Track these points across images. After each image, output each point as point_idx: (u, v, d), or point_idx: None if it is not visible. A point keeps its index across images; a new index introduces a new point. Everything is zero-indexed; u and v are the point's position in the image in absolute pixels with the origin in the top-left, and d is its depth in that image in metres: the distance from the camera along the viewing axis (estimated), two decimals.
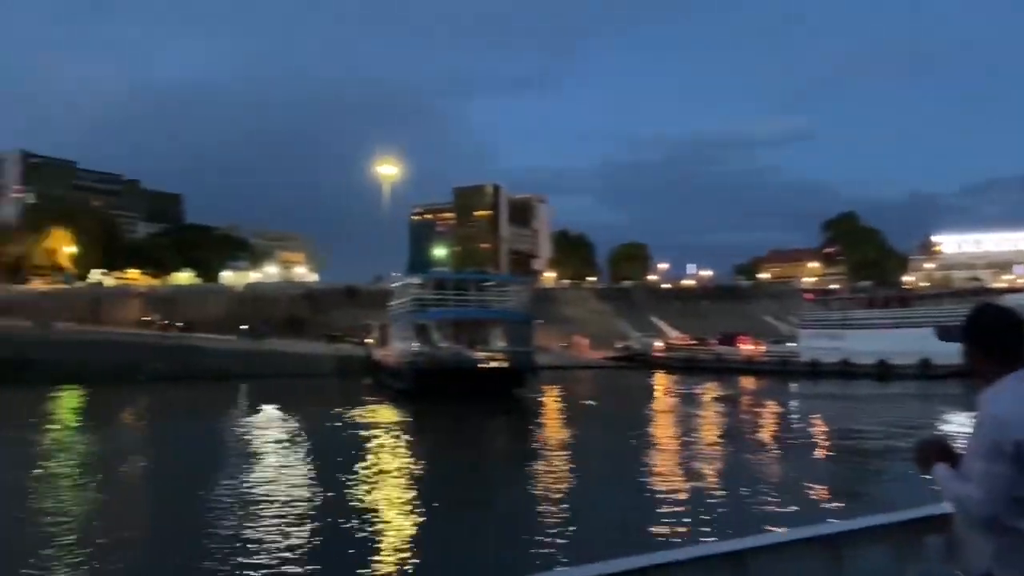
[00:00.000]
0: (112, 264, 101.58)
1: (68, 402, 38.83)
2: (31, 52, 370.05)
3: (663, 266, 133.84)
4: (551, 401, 38.21)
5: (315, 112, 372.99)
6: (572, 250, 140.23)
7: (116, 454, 22.97)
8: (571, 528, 12.99)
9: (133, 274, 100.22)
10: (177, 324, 68.26)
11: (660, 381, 51.06)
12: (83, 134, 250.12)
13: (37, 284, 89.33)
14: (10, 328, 55.21)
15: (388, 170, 73.47)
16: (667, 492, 15.78)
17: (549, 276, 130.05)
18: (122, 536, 13.13)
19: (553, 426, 29.96)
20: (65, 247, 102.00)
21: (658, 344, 68.41)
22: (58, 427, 29.63)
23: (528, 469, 19.49)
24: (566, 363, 61.74)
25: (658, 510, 14.06)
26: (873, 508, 13.58)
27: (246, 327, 66.50)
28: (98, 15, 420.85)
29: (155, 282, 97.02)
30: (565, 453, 22.23)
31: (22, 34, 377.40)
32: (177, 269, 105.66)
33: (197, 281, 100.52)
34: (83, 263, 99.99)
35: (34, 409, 33.62)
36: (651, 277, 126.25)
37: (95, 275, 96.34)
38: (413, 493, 16.28)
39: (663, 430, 27.64)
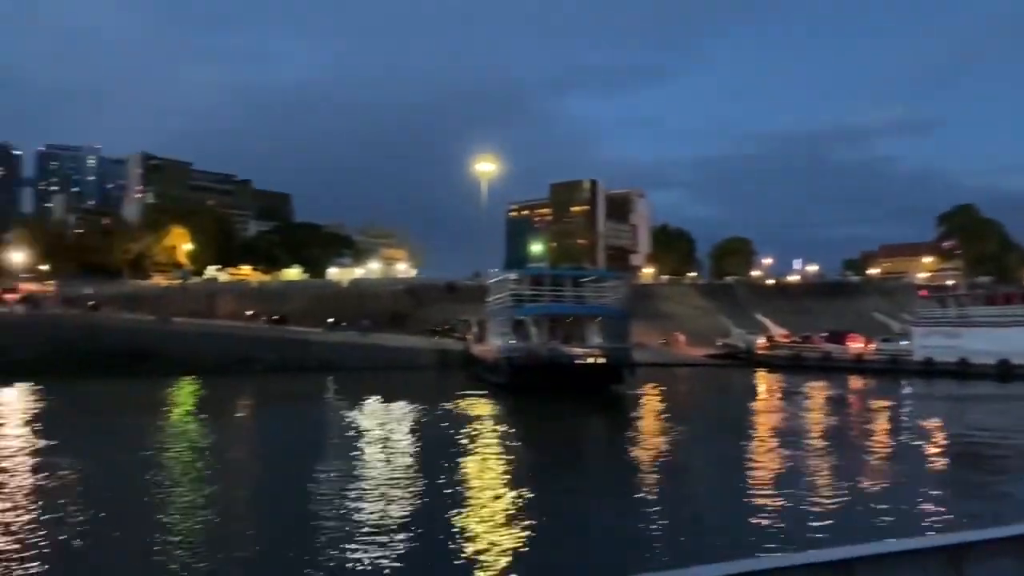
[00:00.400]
0: (226, 260, 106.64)
1: (186, 391, 41.00)
2: (151, 59, 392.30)
3: (767, 261, 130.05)
4: (649, 398, 37.71)
5: (417, 112, 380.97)
6: (672, 245, 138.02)
7: (230, 441, 24.13)
8: (672, 530, 12.76)
9: (245, 270, 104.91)
10: (274, 318, 71.06)
11: (764, 379, 49.59)
12: (198, 136, 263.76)
13: (158, 279, 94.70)
14: (134, 321, 58.87)
15: (486, 167, 74.18)
16: (772, 495, 15.23)
17: (648, 272, 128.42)
18: (233, 522, 13.75)
19: (652, 424, 29.55)
20: (183, 244, 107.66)
21: (761, 341, 66.48)
22: (177, 415, 31.34)
23: (627, 467, 19.31)
24: (665, 360, 60.80)
25: (762, 514, 13.61)
26: (998, 518, 12.75)
27: (332, 320, 69.23)
28: (215, 22, 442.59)
29: (265, 278, 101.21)
30: (665, 452, 21.89)
31: (143, 42, 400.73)
32: (286, 265, 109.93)
33: (304, 277, 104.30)
34: (199, 259, 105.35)
35: (155, 398, 35.69)
36: (755, 273, 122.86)
37: (210, 271, 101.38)
38: (511, 488, 16.34)
39: (768, 430, 26.79)
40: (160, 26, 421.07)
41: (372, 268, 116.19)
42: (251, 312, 73.97)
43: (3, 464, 18.80)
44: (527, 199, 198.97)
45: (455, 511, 13.82)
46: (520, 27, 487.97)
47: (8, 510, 13.95)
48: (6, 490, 15.77)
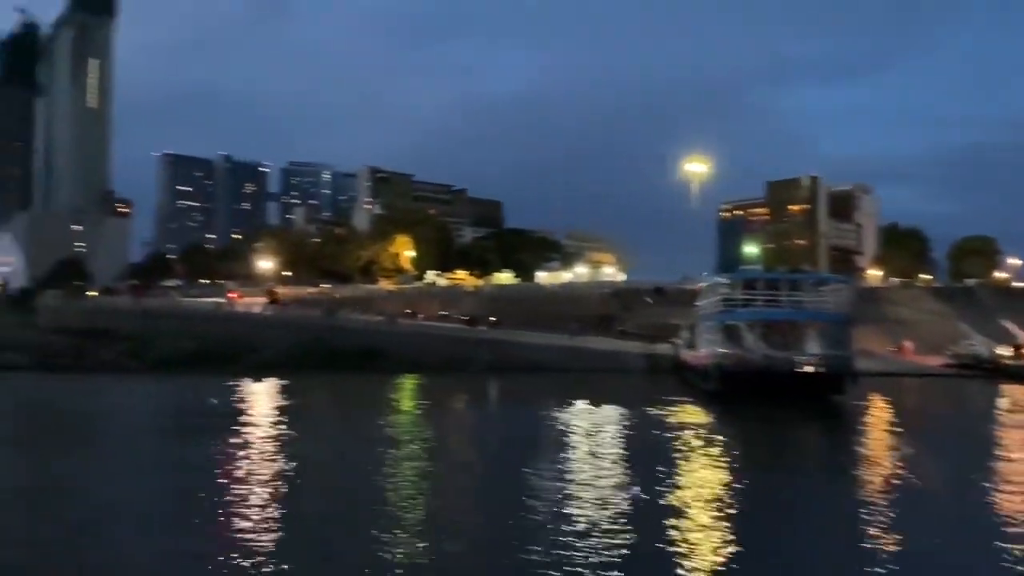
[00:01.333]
0: (444, 266, 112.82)
1: (410, 387, 44.06)
2: (377, 75, 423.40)
3: (1015, 262, 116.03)
4: (875, 410, 35.22)
5: (625, 115, 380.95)
6: (902, 245, 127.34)
7: (449, 434, 25.76)
8: (898, 569, 11.79)
9: (461, 275, 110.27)
10: (491, 319, 73.75)
11: (1011, 393, 44.52)
12: (418, 148, 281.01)
13: (385, 284, 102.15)
14: (365, 322, 64.11)
15: (697, 168, 72.75)
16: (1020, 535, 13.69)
17: (874, 274, 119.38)
18: (453, 513, 14.79)
19: (877, 441, 27.60)
20: (406, 251, 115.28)
21: (1007, 351, 59.55)
22: (404, 410, 33.87)
23: (847, 489, 18.04)
24: (894, 369, 56.32)
25: (1005, 557, 12.15)
26: None
27: (490, 318, 70.38)
28: (434, 37, 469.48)
29: (479, 282, 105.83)
30: (891, 475, 19.98)
31: (370, 60, 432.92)
32: (498, 270, 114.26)
33: (516, 281, 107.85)
34: (420, 265, 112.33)
35: (384, 393, 38.76)
36: (999, 274, 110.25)
37: (430, 276, 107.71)
38: (721, 501, 16.10)
39: (1018, 455, 24.03)
40: (381, 40, 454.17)
41: (580, 272, 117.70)
42: (466, 316, 77.61)
43: (253, 449, 21.44)
44: (741, 198, 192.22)
45: (666, 516, 13.91)
46: (729, 20, 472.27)
47: (253, 491, 15.94)
48: (256, 473, 18.02)
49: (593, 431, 26.00)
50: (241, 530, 12.58)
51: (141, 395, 40.64)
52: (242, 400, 35.82)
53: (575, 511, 14.12)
